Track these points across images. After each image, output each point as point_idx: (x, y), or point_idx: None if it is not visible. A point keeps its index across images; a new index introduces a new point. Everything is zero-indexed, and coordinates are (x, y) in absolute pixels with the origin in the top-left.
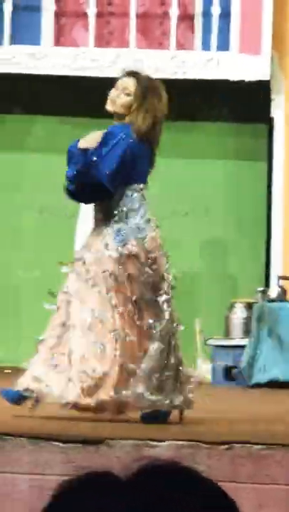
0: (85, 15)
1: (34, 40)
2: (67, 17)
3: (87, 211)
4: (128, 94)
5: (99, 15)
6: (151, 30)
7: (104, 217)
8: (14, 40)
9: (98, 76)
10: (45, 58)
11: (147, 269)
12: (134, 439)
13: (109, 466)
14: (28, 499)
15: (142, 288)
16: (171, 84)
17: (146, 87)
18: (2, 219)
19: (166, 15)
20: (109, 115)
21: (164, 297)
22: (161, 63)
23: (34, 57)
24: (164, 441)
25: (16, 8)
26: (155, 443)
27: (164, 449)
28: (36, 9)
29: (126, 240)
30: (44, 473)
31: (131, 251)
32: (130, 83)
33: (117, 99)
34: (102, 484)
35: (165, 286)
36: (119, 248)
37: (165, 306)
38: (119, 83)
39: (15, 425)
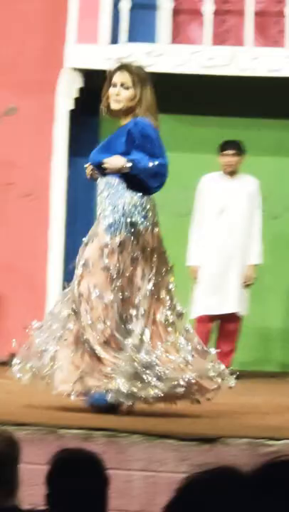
0: (200, 13)
1: (149, 38)
2: (183, 15)
3: (202, 211)
4: (127, 88)
5: (215, 13)
6: (268, 28)
7: None
8: (130, 37)
9: (215, 74)
10: (161, 56)
11: None
12: (250, 437)
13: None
14: (142, 496)
15: None
16: (287, 83)
17: (139, 74)
18: None
19: (281, 13)
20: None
21: None
22: (277, 61)
23: (150, 55)
24: (281, 440)
25: (132, 6)
26: (272, 442)
27: (281, 447)
28: (152, 7)
29: None
30: (158, 470)
31: None
32: (125, 76)
33: (120, 96)
34: (228, 479)
35: None
36: None
37: None
38: (115, 80)
39: (128, 422)
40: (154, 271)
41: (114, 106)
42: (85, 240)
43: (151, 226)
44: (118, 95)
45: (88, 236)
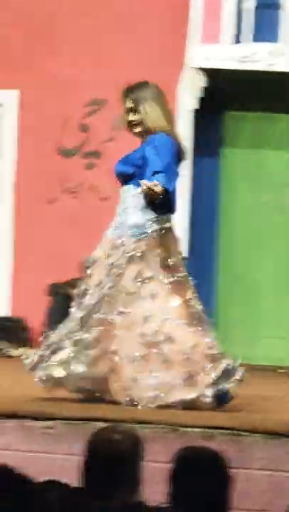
0: None
1: (272, 37)
2: None
3: None
4: (135, 111)
5: None
6: None
7: None
8: (253, 37)
9: None
10: (283, 56)
11: None
12: None
13: None
14: (264, 495)
15: None
16: None
17: (138, 94)
18: (243, 218)
19: None
20: None
21: None
22: None
23: (272, 54)
24: None
25: (256, 5)
26: None
27: None
28: (275, 7)
29: None
30: (279, 469)
31: None
32: (128, 102)
33: (132, 122)
34: None
35: None
36: None
37: None
38: (124, 108)
39: (247, 421)
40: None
41: (136, 131)
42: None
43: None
44: (132, 121)
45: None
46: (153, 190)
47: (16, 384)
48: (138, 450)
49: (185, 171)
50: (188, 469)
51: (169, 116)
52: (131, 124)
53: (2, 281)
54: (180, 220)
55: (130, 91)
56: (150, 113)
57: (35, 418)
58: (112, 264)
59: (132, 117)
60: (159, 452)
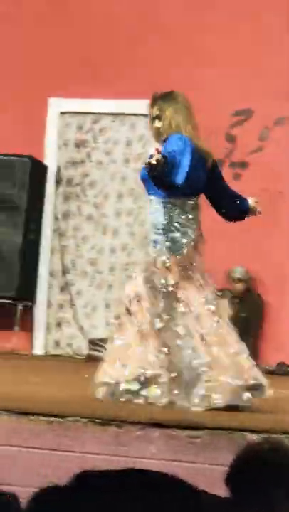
0: None
1: None
2: None
3: None
4: (159, 119)
5: None
6: None
7: None
8: None
9: None
10: None
11: None
12: None
13: None
14: None
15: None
16: None
17: (158, 101)
18: None
19: None
20: None
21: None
22: None
23: None
24: None
25: None
26: None
27: None
28: None
29: None
30: None
31: None
32: (154, 109)
33: (157, 130)
34: None
35: None
36: None
37: None
38: (151, 116)
39: None
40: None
41: (158, 138)
42: None
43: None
44: (158, 129)
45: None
46: (151, 162)
47: None
48: None
49: None
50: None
51: (193, 125)
52: (157, 132)
53: None
54: None
55: (157, 99)
56: (172, 119)
57: (182, 427)
58: None
59: (157, 124)
60: None
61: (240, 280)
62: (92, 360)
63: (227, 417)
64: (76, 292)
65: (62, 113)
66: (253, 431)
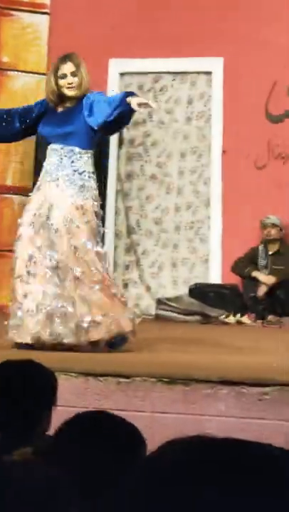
0: None
1: None
2: None
3: None
4: (75, 75)
5: None
6: None
7: None
8: None
9: None
10: None
11: None
12: None
13: None
14: None
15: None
16: None
17: (78, 60)
18: None
19: None
20: None
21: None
22: None
23: None
24: None
25: None
26: None
27: None
28: None
29: None
30: None
31: None
32: (70, 66)
33: (73, 84)
34: None
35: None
36: None
37: None
38: (65, 70)
39: None
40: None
41: (72, 93)
42: None
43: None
44: (71, 83)
45: None
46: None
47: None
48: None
49: None
50: None
51: None
52: (68, 87)
53: (214, 249)
54: None
55: (70, 57)
56: (86, 78)
57: (251, 384)
58: None
59: (75, 80)
60: None
61: (274, 225)
62: (161, 320)
63: None
64: (142, 252)
65: (122, 74)
66: None
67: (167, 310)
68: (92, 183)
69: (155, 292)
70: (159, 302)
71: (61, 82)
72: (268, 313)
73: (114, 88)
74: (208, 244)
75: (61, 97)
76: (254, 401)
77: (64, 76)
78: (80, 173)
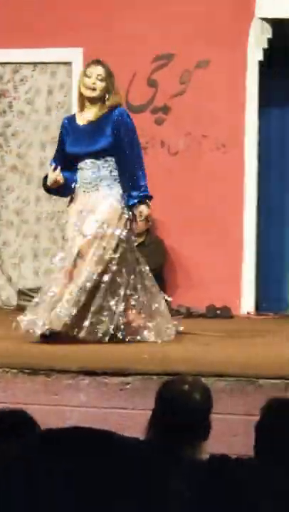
0: None
1: None
2: None
3: None
4: (102, 80)
5: None
6: None
7: None
8: None
9: None
10: None
11: None
12: None
13: None
14: None
15: None
16: None
17: (108, 69)
18: None
19: None
20: None
21: None
22: None
23: None
24: None
25: None
26: None
27: None
28: None
29: None
30: None
31: None
32: (100, 70)
33: (96, 86)
34: None
35: None
36: None
37: None
38: (90, 72)
39: None
40: None
41: (89, 94)
42: None
43: None
44: (94, 84)
45: None
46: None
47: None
48: (208, 402)
49: (254, 122)
50: (277, 420)
51: None
52: (88, 87)
53: None
54: (249, 171)
55: (103, 63)
56: (113, 90)
57: (112, 374)
58: None
59: (98, 83)
60: (237, 405)
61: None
62: (22, 310)
63: (158, 363)
64: (2, 243)
65: None
66: (180, 374)
67: (29, 301)
68: None
69: (16, 283)
70: (21, 293)
71: (86, 80)
72: None
73: None
74: None
75: (82, 101)
76: (116, 390)
77: (90, 75)
78: None
